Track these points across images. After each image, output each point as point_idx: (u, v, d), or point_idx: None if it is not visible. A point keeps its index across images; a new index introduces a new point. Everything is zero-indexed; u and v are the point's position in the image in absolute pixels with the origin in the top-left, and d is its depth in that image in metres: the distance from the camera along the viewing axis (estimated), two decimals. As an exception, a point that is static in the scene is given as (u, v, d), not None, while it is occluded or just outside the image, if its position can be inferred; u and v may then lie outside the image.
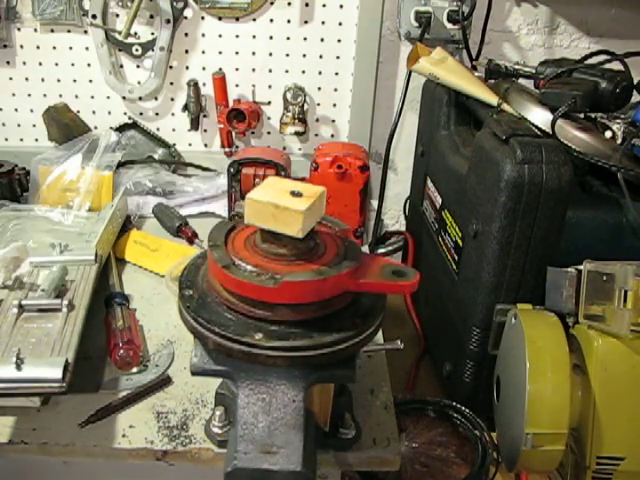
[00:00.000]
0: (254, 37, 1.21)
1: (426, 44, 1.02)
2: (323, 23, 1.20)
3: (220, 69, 1.22)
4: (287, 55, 1.22)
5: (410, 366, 1.01)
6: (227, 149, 1.27)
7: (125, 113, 1.27)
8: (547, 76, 0.88)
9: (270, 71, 1.23)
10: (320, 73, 1.23)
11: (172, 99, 1.26)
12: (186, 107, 1.25)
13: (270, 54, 1.22)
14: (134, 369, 0.77)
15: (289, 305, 0.55)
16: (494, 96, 0.89)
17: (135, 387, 0.75)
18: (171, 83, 1.25)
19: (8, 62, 1.23)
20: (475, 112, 0.92)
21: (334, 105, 1.26)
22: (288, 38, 1.21)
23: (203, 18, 1.19)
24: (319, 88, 1.25)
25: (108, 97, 1.25)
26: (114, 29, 1.18)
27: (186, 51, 1.22)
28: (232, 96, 1.23)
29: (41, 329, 0.73)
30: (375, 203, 1.28)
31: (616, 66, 0.85)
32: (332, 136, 1.29)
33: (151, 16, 1.19)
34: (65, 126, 1.22)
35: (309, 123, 1.26)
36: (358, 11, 1.17)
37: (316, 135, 1.29)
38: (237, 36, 1.21)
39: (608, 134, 0.84)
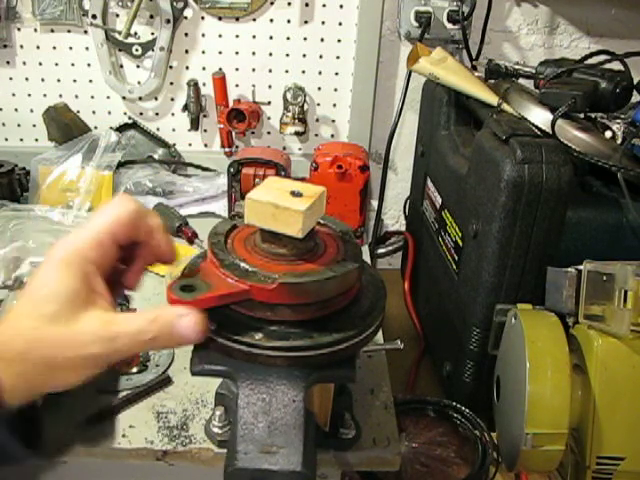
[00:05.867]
0: (254, 37, 1.21)
1: (426, 44, 1.02)
2: (323, 23, 1.20)
3: (220, 69, 1.22)
4: (287, 55, 1.22)
5: (410, 366, 1.01)
6: (227, 149, 1.27)
7: (125, 113, 1.27)
8: (547, 76, 0.88)
9: (270, 71, 1.23)
10: (320, 73, 1.23)
11: (172, 99, 1.26)
12: (186, 107, 1.25)
13: (270, 54, 1.22)
14: (134, 369, 0.77)
15: (289, 305, 0.55)
16: (494, 96, 0.89)
17: (135, 387, 0.75)
18: (171, 83, 1.25)
19: (8, 62, 1.22)
20: (475, 112, 0.92)
21: (334, 105, 1.26)
22: (288, 38, 1.21)
23: (203, 18, 1.19)
24: (319, 88, 1.25)
25: (108, 97, 1.25)
26: (114, 29, 1.17)
27: (186, 51, 1.22)
28: (232, 96, 1.22)
29: (41, 329, 0.73)
30: (375, 203, 1.28)
31: (616, 66, 0.85)
32: (332, 136, 1.29)
33: (151, 16, 1.19)
34: (65, 126, 1.22)
35: (309, 123, 1.26)
36: (358, 11, 1.17)
37: (316, 135, 1.29)
38: (237, 36, 1.21)
39: (608, 134, 0.84)
